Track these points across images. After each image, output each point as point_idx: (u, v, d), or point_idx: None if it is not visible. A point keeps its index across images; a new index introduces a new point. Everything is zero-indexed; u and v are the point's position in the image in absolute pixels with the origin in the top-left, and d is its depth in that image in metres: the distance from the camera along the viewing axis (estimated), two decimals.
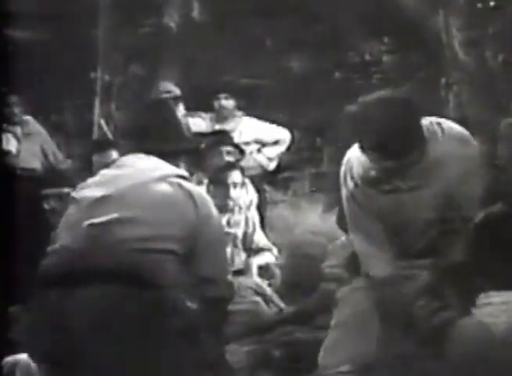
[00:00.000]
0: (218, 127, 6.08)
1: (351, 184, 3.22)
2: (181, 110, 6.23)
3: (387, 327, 3.15)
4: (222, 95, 6.12)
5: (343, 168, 3.23)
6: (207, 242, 2.81)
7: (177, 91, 6.42)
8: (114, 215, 2.71)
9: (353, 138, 3.08)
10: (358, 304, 3.33)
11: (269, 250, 5.42)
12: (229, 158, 5.66)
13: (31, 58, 8.43)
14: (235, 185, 5.29)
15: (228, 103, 6.12)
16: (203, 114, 6.22)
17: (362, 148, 3.02)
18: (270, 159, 6.27)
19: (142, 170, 2.85)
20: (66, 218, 2.87)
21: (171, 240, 2.73)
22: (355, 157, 3.17)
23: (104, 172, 2.94)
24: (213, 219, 2.88)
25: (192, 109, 6.35)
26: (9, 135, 6.11)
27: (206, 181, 5.50)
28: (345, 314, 3.36)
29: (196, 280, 2.78)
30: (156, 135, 2.96)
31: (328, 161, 8.59)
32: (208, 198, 2.95)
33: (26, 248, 5.42)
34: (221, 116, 6.15)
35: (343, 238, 6.09)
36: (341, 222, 6.04)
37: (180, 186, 2.82)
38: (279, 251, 5.49)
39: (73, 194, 2.96)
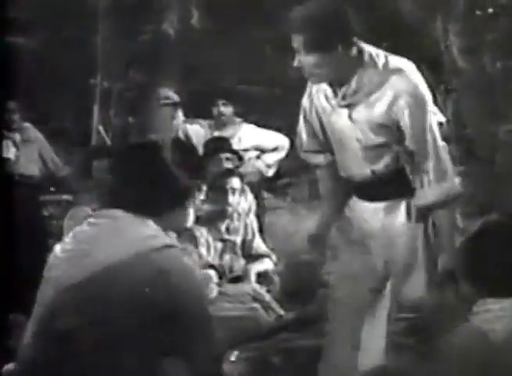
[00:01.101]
0: (217, 133, 6.08)
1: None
2: (180, 116, 6.23)
3: None
4: (221, 102, 6.11)
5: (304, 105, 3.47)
6: (189, 336, 2.42)
7: (176, 97, 6.42)
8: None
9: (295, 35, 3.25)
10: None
11: (268, 256, 5.42)
12: (228, 165, 5.66)
13: (30, 64, 8.44)
14: (233, 191, 5.29)
15: (227, 109, 6.12)
16: (202, 121, 6.22)
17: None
18: (269, 165, 6.27)
19: (120, 243, 2.44)
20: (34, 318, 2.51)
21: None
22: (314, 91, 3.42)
23: (75, 239, 2.54)
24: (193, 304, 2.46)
25: (191, 115, 6.35)
26: (8, 142, 6.10)
27: (205, 188, 5.50)
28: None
29: None
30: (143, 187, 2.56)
31: None
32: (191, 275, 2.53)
33: (24, 254, 5.43)
34: (219, 123, 6.14)
35: None
36: None
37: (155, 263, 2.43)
38: (278, 257, 5.49)
39: (44, 273, 2.54)
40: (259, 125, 6.33)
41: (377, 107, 3.28)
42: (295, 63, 3.28)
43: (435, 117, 3.38)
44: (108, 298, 2.36)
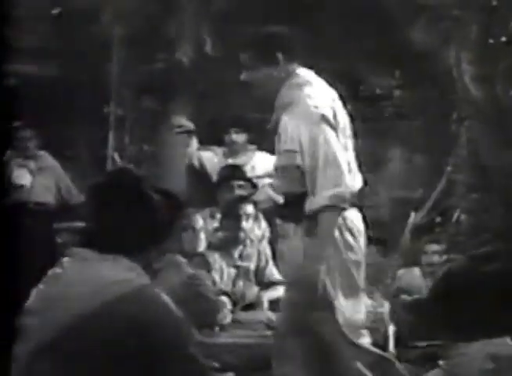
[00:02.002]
0: (230, 161, 6.09)
1: None
2: (194, 144, 6.25)
3: None
4: (233, 130, 6.14)
5: None
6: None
7: (190, 125, 6.45)
8: None
9: None
10: None
11: (281, 284, 5.41)
12: (240, 192, 5.67)
13: (45, 93, 8.51)
14: (247, 217, 5.31)
15: (239, 137, 6.14)
16: (216, 149, 6.24)
17: None
18: None
19: (87, 291, 2.28)
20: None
21: None
22: None
23: (47, 285, 2.40)
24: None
25: (205, 143, 6.37)
26: (23, 170, 6.14)
27: (219, 215, 5.52)
28: None
29: None
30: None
31: None
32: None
33: (38, 281, 5.44)
34: (232, 150, 6.16)
35: None
36: None
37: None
38: None
39: (18, 327, 2.39)
40: (272, 153, 6.34)
41: None
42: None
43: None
44: (77, 355, 2.21)
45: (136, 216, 2.36)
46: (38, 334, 2.28)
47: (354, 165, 3.64)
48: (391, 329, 5.67)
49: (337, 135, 3.52)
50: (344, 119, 3.63)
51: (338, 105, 3.64)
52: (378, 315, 5.74)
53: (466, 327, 2.23)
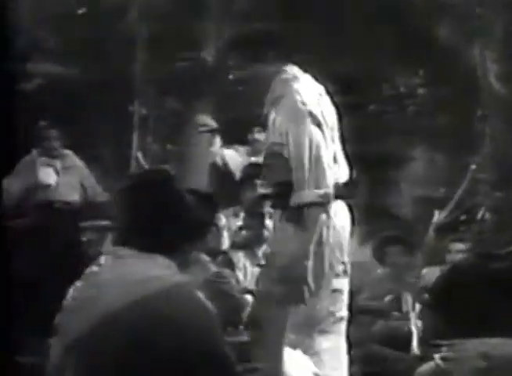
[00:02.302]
0: (253, 159, 6.11)
1: None
2: (217, 143, 6.27)
3: None
4: (256, 129, 6.15)
5: None
6: None
7: (214, 124, 6.47)
8: None
9: None
10: None
11: None
12: (263, 190, 5.68)
13: (70, 92, 8.57)
14: (270, 215, 5.32)
15: (261, 136, 6.15)
16: (240, 147, 6.25)
17: None
18: None
19: (123, 288, 2.28)
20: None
21: None
22: None
23: (86, 282, 2.40)
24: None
25: (228, 142, 6.39)
26: (49, 169, 6.18)
27: (242, 214, 5.54)
28: None
29: None
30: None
31: (362, 194, 8.58)
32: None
33: (63, 279, 5.49)
34: (255, 149, 6.17)
35: (379, 270, 6.10)
36: (377, 255, 6.06)
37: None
38: None
39: (55, 322, 2.41)
40: None
41: None
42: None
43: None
44: (112, 350, 2.21)
45: (171, 215, 2.36)
46: (74, 331, 2.29)
47: (340, 156, 3.77)
48: (415, 327, 5.67)
49: (323, 131, 3.65)
50: (330, 113, 3.74)
51: (325, 99, 3.75)
52: (403, 314, 5.75)
53: (464, 323, 2.23)
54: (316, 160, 3.61)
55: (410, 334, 5.66)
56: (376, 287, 5.91)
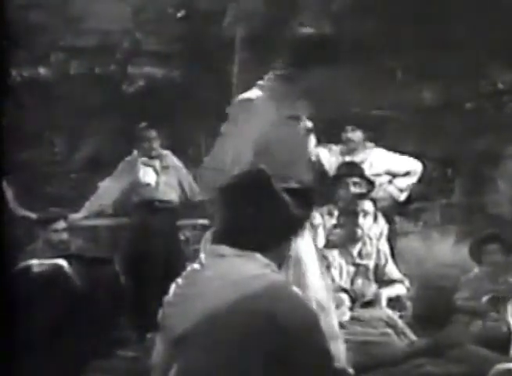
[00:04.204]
0: (348, 158, 6.13)
1: None
2: (312, 141, 6.31)
3: None
4: (349, 128, 6.17)
5: None
6: None
7: (309, 123, 6.50)
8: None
9: None
10: None
11: (401, 282, 5.41)
12: (356, 189, 5.69)
13: (171, 94, 8.75)
14: (365, 214, 5.33)
15: (355, 135, 6.15)
16: (334, 146, 6.28)
17: None
18: (401, 190, 6.25)
19: (225, 286, 2.34)
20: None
21: None
22: None
23: (187, 280, 2.47)
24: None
25: (323, 141, 6.42)
26: (149, 169, 6.34)
27: (336, 212, 5.57)
28: None
29: None
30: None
31: (459, 192, 8.49)
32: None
33: (161, 275, 5.64)
34: (349, 148, 6.19)
35: (476, 270, 6.04)
36: (474, 254, 6.00)
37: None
38: (410, 282, 5.48)
39: (159, 319, 2.48)
40: (391, 150, 6.33)
41: None
42: None
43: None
44: (215, 346, 2.27)
45: (270, 214, 2.42)
46: (179, 327, 2.36)
47: None
48: None
49: None
50: None
51: None
52: (501, 315, 5.68)
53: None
54: None
55: (509, 334, 5.58)
56: (474, 287, 5.85)
